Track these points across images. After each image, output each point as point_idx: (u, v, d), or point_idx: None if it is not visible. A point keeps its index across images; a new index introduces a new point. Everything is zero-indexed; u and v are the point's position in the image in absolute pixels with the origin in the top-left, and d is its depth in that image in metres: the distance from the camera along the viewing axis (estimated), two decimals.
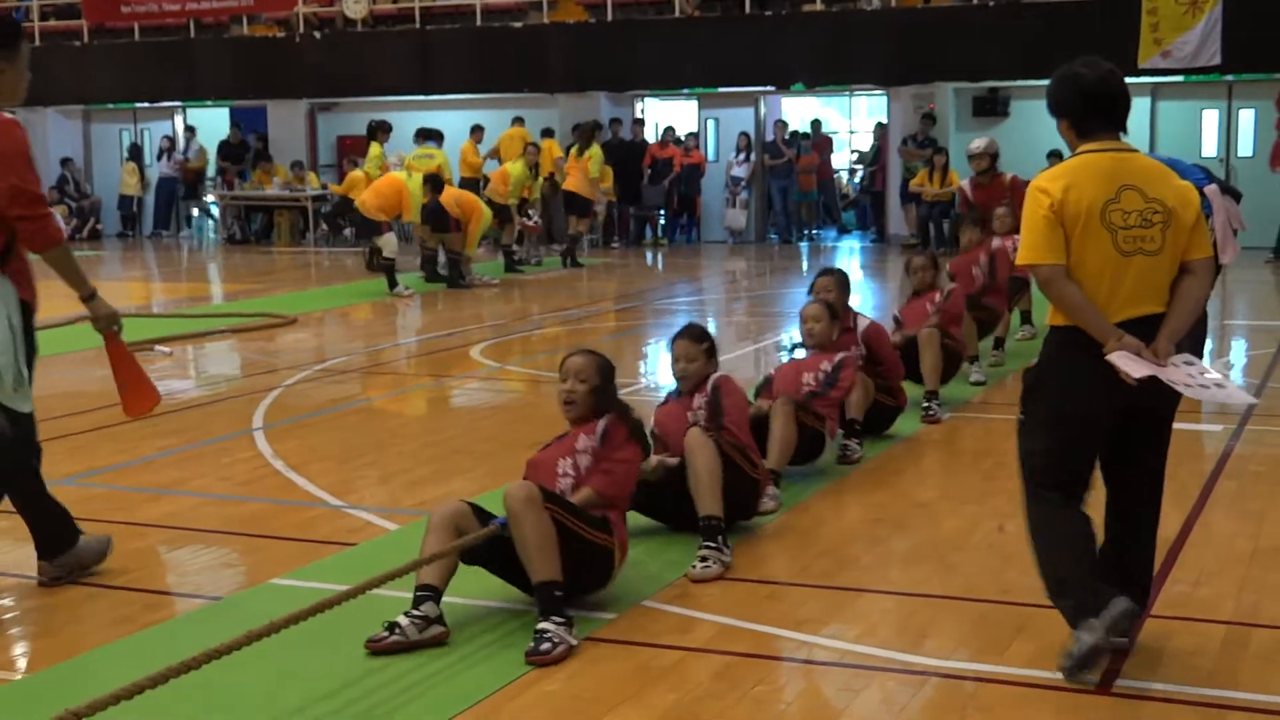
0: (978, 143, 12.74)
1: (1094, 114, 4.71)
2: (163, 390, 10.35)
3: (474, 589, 5.44)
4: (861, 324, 8.22)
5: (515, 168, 19.03)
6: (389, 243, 16.37)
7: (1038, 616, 5.15)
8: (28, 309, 5.56)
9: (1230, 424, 8.57)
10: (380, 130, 19.52)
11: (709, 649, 4.86)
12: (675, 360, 6.51)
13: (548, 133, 22.03)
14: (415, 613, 4.93)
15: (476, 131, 22.21)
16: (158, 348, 12.11)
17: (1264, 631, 4.97)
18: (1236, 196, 9.41)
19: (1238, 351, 12.29)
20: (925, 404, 8.76)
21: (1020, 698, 4.43)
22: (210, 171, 26.68)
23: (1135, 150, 4.74)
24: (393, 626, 4.91)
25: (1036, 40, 20.67)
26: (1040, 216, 4.56)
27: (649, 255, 22.26)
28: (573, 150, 19.89)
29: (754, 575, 5.70)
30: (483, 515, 5.15)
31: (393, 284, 16.31)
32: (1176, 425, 8.28)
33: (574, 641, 4.85)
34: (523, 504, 4.93)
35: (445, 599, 5.21)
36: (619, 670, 4.67)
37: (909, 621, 5.17)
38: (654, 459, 6.12)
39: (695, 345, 6.48)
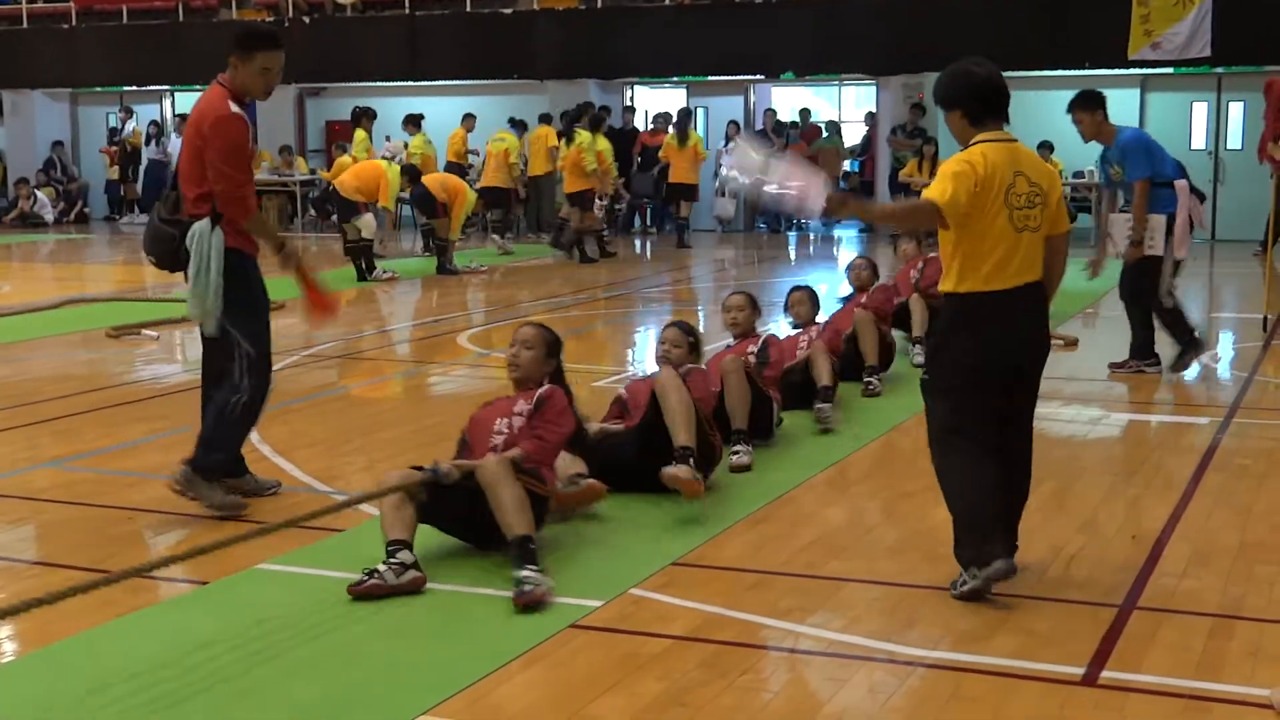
0: None
1: (987, 106, 5.27)
2: (148, 375, 10.41)
3: (460, 577, 5.44)
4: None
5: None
6: (368, 224, 16.36)
7: (1023, 607, 5.16)
8: (238, 255, 6.36)
9: (1218, 416, 8.58)
10: (365, 117, 19.46)
11: (696, 637, 4.85)
12: (662, 343, 7.24)
13: (545, 119, 21.98)
14: (393, 560, 5.24)
15: (468, 119, 22.16)
16: (144, 332, 12.08)
17: (1249, 624, 4.97)
18: (1201, 197, 9.76)
19: (1225, 344, 12.30)
20: (866, 379, 9.03)
21: (1005, 688, 4.44)
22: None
23: (1017, 139, 5.34)
24: (371, 572, 5.19)
25: (1027, 30, 20.69)
26: (965, 176, 5.11)
27: (638, 243, 22.24)
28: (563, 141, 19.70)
29: (741, 564, 5.69)
30: (434, 483, 5.52)
31: (370, 267, 16.30)
32: (1163, 418, 8.30)
33: (551, 584, 5.20)
34: (496, 471, 5.39)
35: (430, 586, 5.26)
36: (605, 658, 4.67)
37: (895, 611, 5.16)
38: (595, 425, 6.70)
39: (682, 335, 7.25)
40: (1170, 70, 20.77)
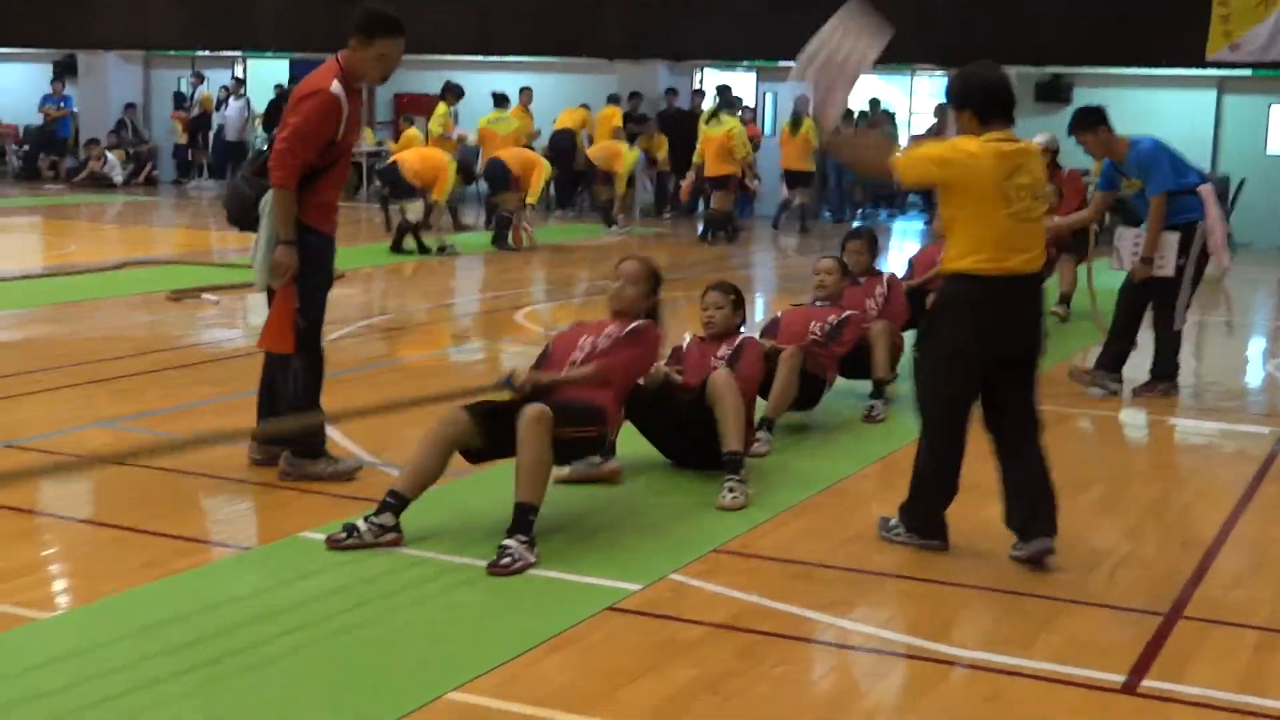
0: (1040, 138, 12.55)
1: (994, 107, 5.58)
2: (208, 339, 10.49)
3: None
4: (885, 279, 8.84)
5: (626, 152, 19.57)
6: (416, 208, 16.39)
7: (1066, 611, 5.10)
8: (307, 229, 6.32)
9: (1278, 427, 8.44)
10: (450, 92, 19.47)
11: (733, 626, 4.83)
12: (704, 308, 7.10)
13: (613, 99, 21.91)
14: (374, 520, 5.43)
15: (525, 93, 22.04)
16: (205, 296, 12.17)
17: None
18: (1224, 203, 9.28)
19: None
20: (870, 401, 8.08)
21: (1044, 692, 4.38)
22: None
23: (1021, 139, 5.65)
24: (351, 529, 5.41)
25: (1102, 27, 20.40)
26: (944, 159, 5.48)
27: (699, 227, 22.16)
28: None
29: (783, 555, 5.65)
30: (485, 427, 5.57)
31: (423, 248, 16.33)
32: (1222, 425, 8.18)
33: (532, 559, 5.27)
34: (532, 425, 5.34)
35: (467, 561, 5.27)
36: (640, 643, 4.65)
37: (938, 609, 5.12)
38: (662, 367, 6.65)
39: (724, 295, 7.09)
40: (1249, 72, 20.43)
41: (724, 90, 21.40)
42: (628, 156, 19.72)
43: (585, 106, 22.80)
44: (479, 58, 24.48)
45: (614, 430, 5.97)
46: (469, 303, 13.70)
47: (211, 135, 26.87)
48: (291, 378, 6.44)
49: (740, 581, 5.28)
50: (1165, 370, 9.12)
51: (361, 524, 5.44)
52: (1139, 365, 9.16)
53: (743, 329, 7.24)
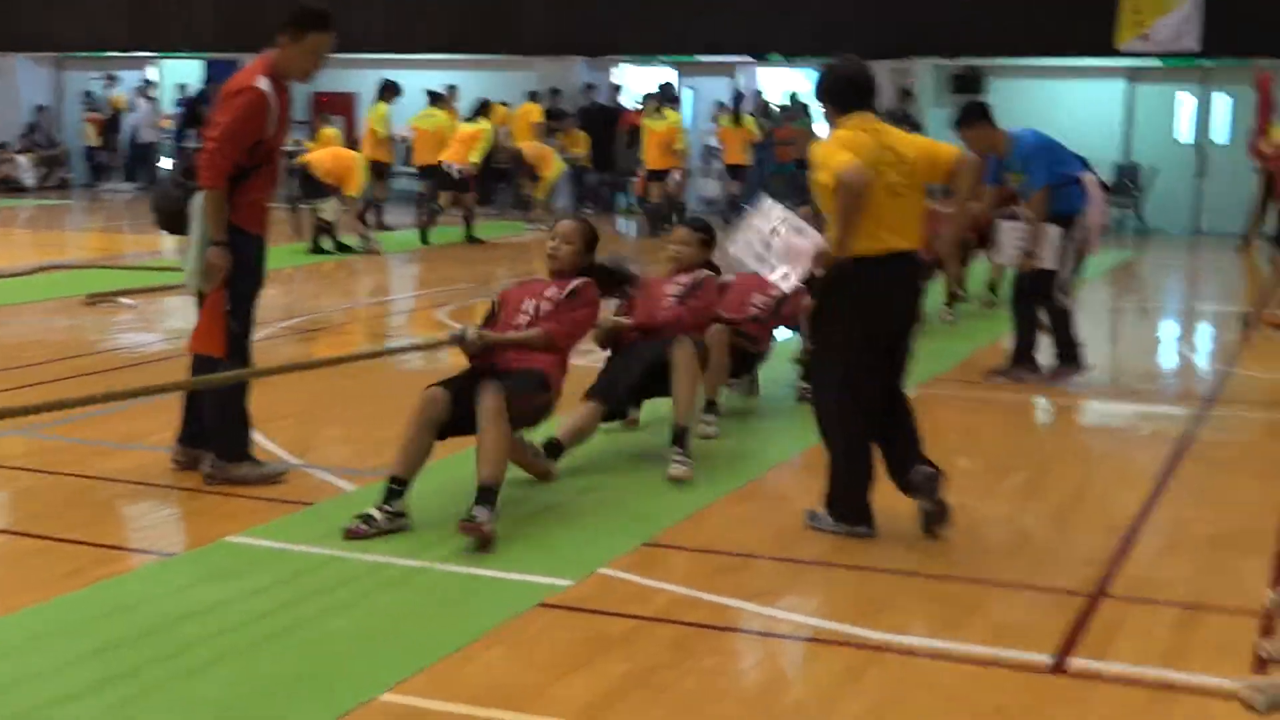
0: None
1: (849, 97, 5.89)
2: (126, 343, 10.35)
3: (426, 553, 5.41)
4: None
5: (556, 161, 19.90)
6: (331, 207, 16.28)
7: (994, 594, 5.16)
8: (238, 232, 6.22)
9: (1194, 408, 8.58)
10: (389, 90, 19.37)
11: (664, 618, 4.83)
12: (671, 243, 7.45)
13: (533, 96, 21.88)
14: (387, 507, 5.59)
15: (450, 92, 21.99)
16: (122, 300, 12.01)
17: (1217, 615, 4.97)
18: (1106, 189, 9.38)
19: (1203, 335, 12.33)
20: (704, 416, 7.42)
21: (974, 675, 4.42)
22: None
23: (886, 124, 5.94)
24: (368, 519, 5.54)
25: (1016, 18, 20.65)
26: (831, 149, 5.69)
27: (621, 222, 22.18)
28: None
29: (712, 546, 5.67)
30: (455, 401, 5.72)
31: (340, 246, 16.23)
32: (1137, 408, 8.32)
33: (493, 524, 5.45)
34: (491, 415, 5.58)
35: (398, 561, 5.25)
36: (573, 638, 4.64)
37: (865, 596, 5.15)
38: (609, 317, 6.92)
39: (693, 233, 7.44)
40: (1158, 62, 20.75)
41: (665, 86, 21.49)
42: (556, 165, 19.82)
43: (504, 104, 22.73)
44: (397, 56, 24.32)
45: (558, 392, 6.15)
46: (390, 302, 13.63)
47: (123, 138, 26.54)
48: (217, 382, 6.31)
49: (669, 573, 5.29)
50: (1068, 354, 9.16)
51: (377, 513, 5.56)
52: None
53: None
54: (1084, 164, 9.16)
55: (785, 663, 4.61)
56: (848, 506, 5.82)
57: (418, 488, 5.77)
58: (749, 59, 23.58)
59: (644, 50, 23.86)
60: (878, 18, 21.57)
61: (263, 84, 6.20)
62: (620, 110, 23.43)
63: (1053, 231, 8.85)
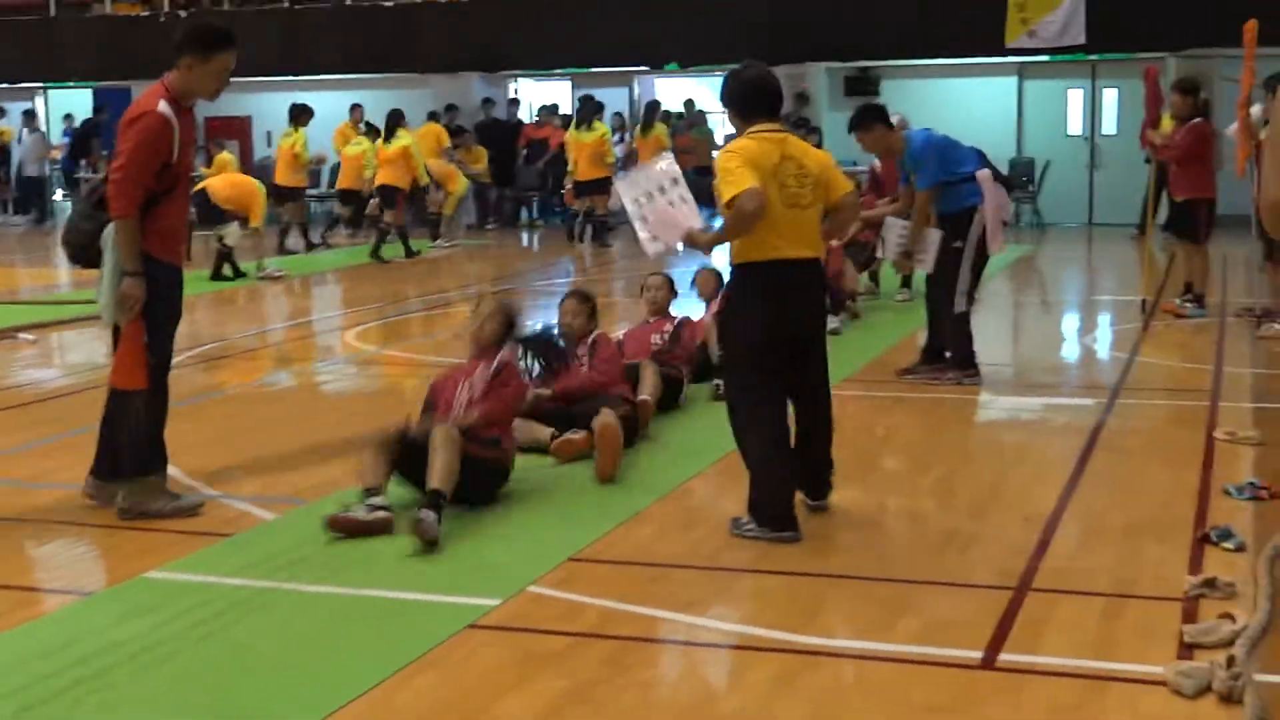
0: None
1: (752, 103, 6.01)
2: (27, 379, 10.15)
3: (351, 579, 5.35)
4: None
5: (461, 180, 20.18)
6: (233, 232, 16.09)
7: (920, 592, 5.20)
8: (151, 261, 6.14)
9: (1101, 397, 8.72)
10: (304, 114, 19.18)
11: (596, 634, 4.82)
12: (562, 315, 7.80)
13: (433, 116, 21.75)
14: (369, 502, 5.84)
15: (355, 110, 21.80)
16: (21, 335, 11.78)
17: (1140, 603, 5.05)
18: (1008, 187, 9.37)
19: (1102, 325, 12.54)
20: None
21: (907, 674, 4.46)
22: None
23: (788, 132, 6.10)
24: (347, 509, 5.81)
25: (908, 20, 20.91)
26: (736, 164, 5.72)
27: (524, 236, 22.15)
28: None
29: (640, 558, 5.67)
30: (407, 450, 6.03)
31: (238, 273, 16.04)
32: (1047, 400, 8.43)
33: (438, 528, 5.64)
34: (444, 440, 5.90)
35: (322, 589, 5.21)
36: (505, 658, 4.62)
37: (795, 601, 5.17)
38: (530, 392, 7.18)
39: (581, 304, 7.83)
40: (1046, 58, 21.07)
41: (587, 99, 21.45)
42: (461, 182, 19.94)
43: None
44: (291, 78, 24.10)
45: (511, 448, 6.54)
46: (299, 326, 13.48)
47: (12, 170, 26.04)
48: (133, 415, 6.23)
49: (599, 588, 5.28)
50: (955, 356, 9.13)
51: (357, 504, 5.85)
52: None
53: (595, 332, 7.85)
54: (981, 160, 9.15)
55: (720, 671, 4.61)
56: (771, 512, 5.85)
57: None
58: (645, 69, 23.63)
59: (540, 64, 23.87)
60: (772, 24, 21.73)
61: (162, 107, 6.12)
62: (519, 125, 23.39)
63: (933, 235, 8.86)
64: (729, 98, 6.09)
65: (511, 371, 6.64)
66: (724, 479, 7.00)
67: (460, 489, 5.91)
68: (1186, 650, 4.51)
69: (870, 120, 8.97)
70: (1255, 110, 11.92)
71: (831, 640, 4.72)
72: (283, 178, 18.57)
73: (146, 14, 25.58)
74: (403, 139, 18.32)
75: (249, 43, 24.99)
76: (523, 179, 23.29)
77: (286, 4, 24.65)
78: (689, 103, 24.62)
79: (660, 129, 20.76)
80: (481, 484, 6.24)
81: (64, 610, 5.20)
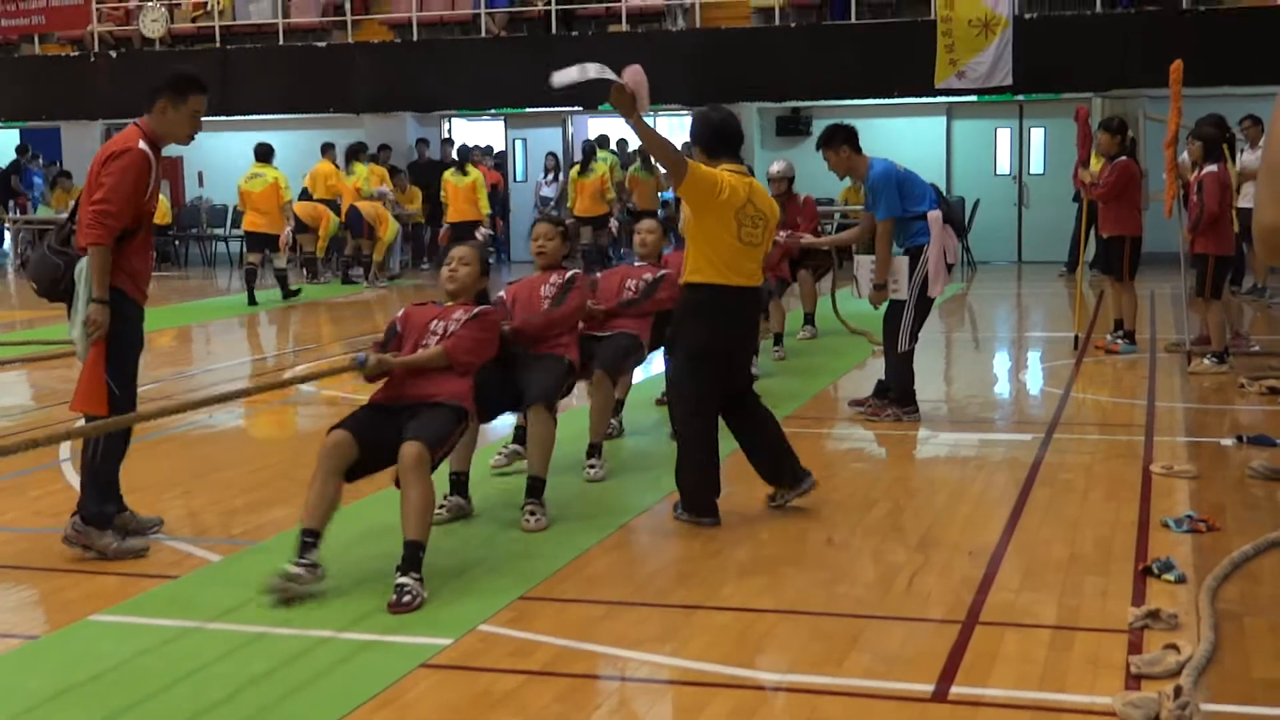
0: (777, 166, 13.02)
1: (720, 144, 6.65)
2: None
3: (300, 620, 5.33)
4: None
5: (391, 222, 20.41)
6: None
7: (871, 627, 5.24)
8: (119, 295, 6.28)
9: (1039, 433, 8.84)
10: (333, 149, 20.08)
11: (549, 672, 4.82)
12: (535, 239, 7.58)
13: (372, 156, 21.67)
14: (304, 560, 5.56)
15: (329, 150, 21.63)
16: None
17: (1086, 635, 5.12)
18: (959, 229, 9.48)
19: (1034, 361, 12.69)
20: (589, 462, 7.73)
21: (860, 708, 4.50)
22: None
23: (750, 174, 6.77)
24: (291, 578, 5.50)
25: (838, 61, 21.14)
26: (718, 177, 6.48)
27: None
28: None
29: (590, 596, 5.68)
30: (361, 442, 5.73)
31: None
32: (986, 436, 8.56)
33: (425, 595, 5.49)
34: (413, 469, 5.58)
35: (271, 630, 5.17)
36: (459, 698, 4.61)
37: (746, 636, 5.20)
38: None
39: (553, 228, 7.60)
40: (974, 98, 21.39)
41: (588, 144, 21.78)
42: (392, 226, 20.15)
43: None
44: (224, 118, 23.95)
45: (474, 415, 6.35)
46: (230, 367, 13.38)
47: None
48: (91, 446, 6.30)
49: (550, 626, 5.28)
50: (896, 393, 9.26)
51: (293, 568, 5.52)
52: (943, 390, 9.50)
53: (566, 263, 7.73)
54: (937, 199, 9.24)
55: (674, 709, 4.62)
56: (705, 501, 6.63)
57: (283, 558, 5.67)
58: (579, 109, 23.73)
59: (473, 104, 23.89)
60: (705, 64, 21.90)
61: (143, 145, 6.29)
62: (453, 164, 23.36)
63: (900, 263, 9.01)
64: (700, 137, 6.66)
65: (490, 321, 6.37)
66: (670, 515, 7.04)
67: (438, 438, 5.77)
68: (1134, 681, 4.58)
69: (839, 141, 9.10)
70: (1183, 158, 12.16)
71: (784, 676, 4.75)
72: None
73: (75, 54, 25.37)
74: (360, 169, 19.35)
75: None
76: None
77: (218, 45, 24.54)
78: (622, 141, 24.74)
79: (601, 168, 20.91)
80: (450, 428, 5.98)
81: (9, 655, 5.13)
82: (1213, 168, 11.25)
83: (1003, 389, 11.37)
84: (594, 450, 7.70)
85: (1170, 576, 5.65)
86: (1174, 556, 5.87)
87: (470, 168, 20.29)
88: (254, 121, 24.26)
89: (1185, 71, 11.47)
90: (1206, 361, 11.13)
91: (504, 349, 6.77)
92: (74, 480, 7.82)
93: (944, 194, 9.48)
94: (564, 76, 6.31)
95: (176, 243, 24.96)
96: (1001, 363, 12.95)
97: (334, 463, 5.68)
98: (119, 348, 6.27)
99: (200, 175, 25.94)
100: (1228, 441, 8.46)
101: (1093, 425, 9.38)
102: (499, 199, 23.43)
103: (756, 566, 6.01)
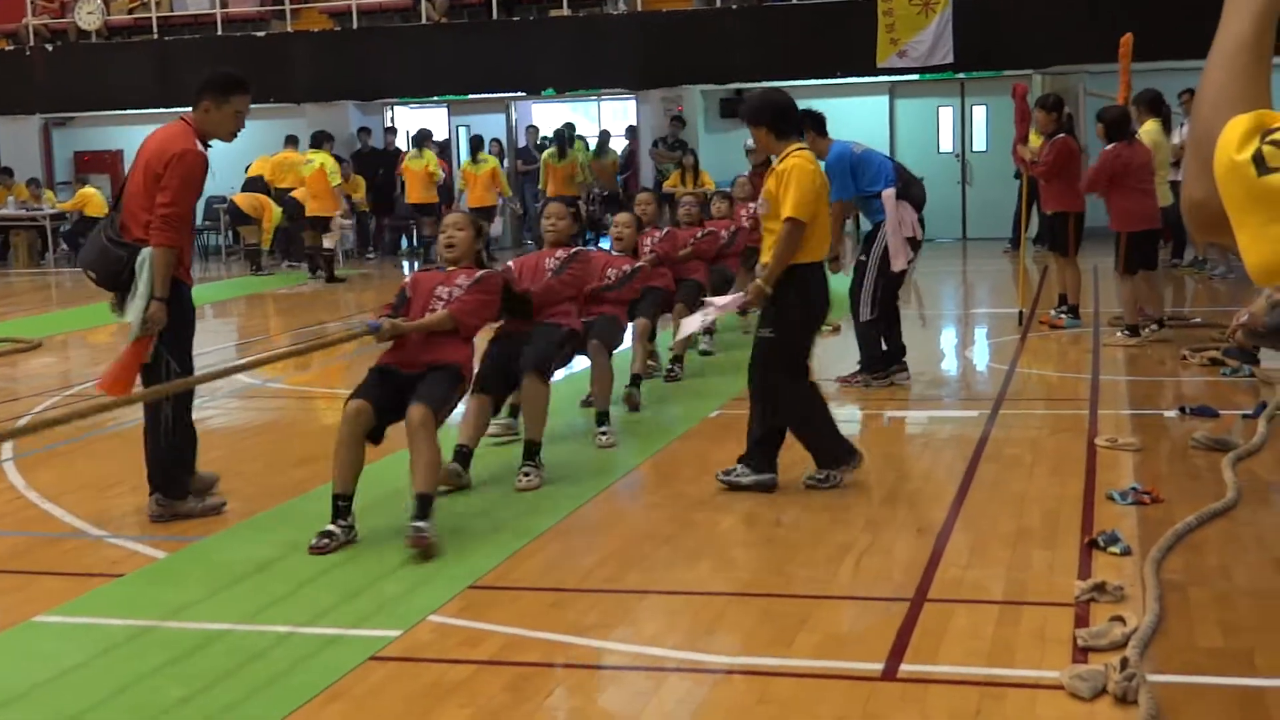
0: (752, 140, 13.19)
1: (790, 124, 6.99)
2: None
3: (254, 614, 5.29)
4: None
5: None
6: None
7: (820, 607, 5.26)
8: (176, 283, 6.64)
9: (985, 409, 8.89)
10: (327, 139, 19.94)
11: (500, 660, 4.81)
12: (546, 217, 8.09)
13: (291, 140, 21.58)
14: (342, 522, 6.12)
15: (292, 141, 21.52)
16: None
17: (1033, 609, 5.16)
18: (917, 203, 9.67)
19: (980, 338, 12.77)
20: (599, 430, 8.20)
21: (811, 688, 4.51)
22: None
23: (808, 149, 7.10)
24: (329, 534, 6.05)
25: (780, 43, 21.14)
26: (808, 185, 6.77)
27: (406, 265, 22.03)
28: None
29: (540, 583, 5.67)
30: (376, 407, 6.19)
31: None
32: (933, 413, 8.57)
33: (436, 538, 5.96)
34: (420, 429, 6.07)
35: (217, 626, 5.14)
36: (409, 689, 4.59)
37: (696, 620, 5.21)
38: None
39: (565, 207, 8.10)
40: (916, 77, 21.46)
41: (560, 132, 21.88)
42: (275, 213, 20.35)
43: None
44: (166, 110, 23.69)
45: (470, 379, 6.76)
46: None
47: None
48: (163, 420, 6.67)
49: (500, 615, 5.27)
50: (864, 360, 9.69)
51: (334, 528, 6.07)
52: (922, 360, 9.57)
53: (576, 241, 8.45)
54: (898, 176, 9.48)
55: (627, 694, 4.62)
56: (844, 449, 6.99)
57: (237, 549, 5.65)
58: (522, 94, 23.66)
59: (416, 91, 23.76)
60: (646, 47, 21.89)
61: (198, 145, 6.67)
62: (397, 153, 23.25)
63: (846, 243, 9.27)
64: (768, 118, 6.90)
65: (490, 284, 6.77)
66: (618, 500, 7.05)
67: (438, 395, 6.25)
68: (1081, 654, 4.62)
69: (803, 126, 9.22)
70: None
71: (734, 658, 4.76)
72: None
73: (10, 48, 25.05)
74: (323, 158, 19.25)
75: (122, 75, 24.73)
76: (400, 208, 23.14)
77: (155, 36, 24.29)
78: (569, 125, 24.67)
79: (573, 155, 21.05)
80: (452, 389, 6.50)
81: None
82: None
83: (949, 366, 11.43)
84: (603, 418, 8.19)
85: (1116, 549, 5.70)
86: (1119, 529, 5.92)
87: (570, 150, 21.03)
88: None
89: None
90: (1120, 334, 11.27)
91: (520, 314, 7.31)
92: (16, 479, 7.75)
93: (907, 171, 9.75)
94: (689, 326, 7.44)
95: None
96: (948, 340, 13.00)
97: (355, 429, 6.14)
98: (177, 328, 6.65)
99: None
100: (1171, 413, 8.55)
101: (1038, 400, 9.45)
102: (443, 188, 23.30)
103: (706, 549, 6.02)
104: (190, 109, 6.74)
